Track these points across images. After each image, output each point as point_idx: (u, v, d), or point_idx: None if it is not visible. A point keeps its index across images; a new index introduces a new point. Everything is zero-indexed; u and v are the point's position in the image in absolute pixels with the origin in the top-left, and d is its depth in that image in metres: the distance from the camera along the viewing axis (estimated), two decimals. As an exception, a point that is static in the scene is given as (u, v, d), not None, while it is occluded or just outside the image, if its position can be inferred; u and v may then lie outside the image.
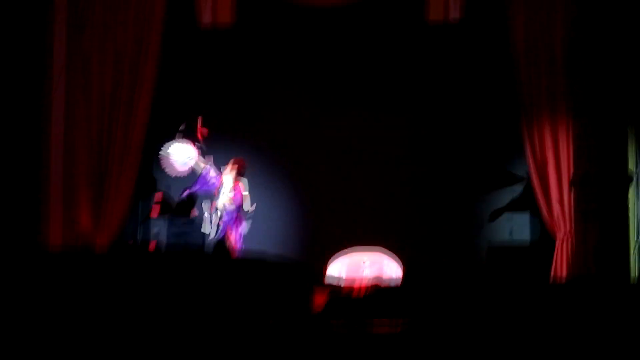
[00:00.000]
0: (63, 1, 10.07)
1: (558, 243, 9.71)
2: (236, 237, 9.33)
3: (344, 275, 8.29)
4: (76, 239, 9.81)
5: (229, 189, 9.36)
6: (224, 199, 9.33)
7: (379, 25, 10.77)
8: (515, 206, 10.45)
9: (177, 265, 6.40)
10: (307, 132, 10.87)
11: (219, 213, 9.35)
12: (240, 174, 9.44)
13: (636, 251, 9.59)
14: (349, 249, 8.87)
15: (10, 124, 9.46)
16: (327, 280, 8.35)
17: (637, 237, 9.58)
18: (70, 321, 5.29)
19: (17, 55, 9.51)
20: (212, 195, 9.46)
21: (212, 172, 9.45)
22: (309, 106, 10.92)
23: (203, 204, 9.51)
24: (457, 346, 5.18)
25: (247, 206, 9.38)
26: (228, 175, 9.41)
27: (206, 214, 9.37)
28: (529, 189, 10.11)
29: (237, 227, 9.36)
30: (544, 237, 9.96)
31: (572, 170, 9.71)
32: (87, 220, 9.90)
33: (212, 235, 9.32)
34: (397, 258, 8.68)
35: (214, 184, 9.43)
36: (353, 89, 10.86)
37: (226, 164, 9.50)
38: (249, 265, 6.47)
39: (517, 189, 10.47)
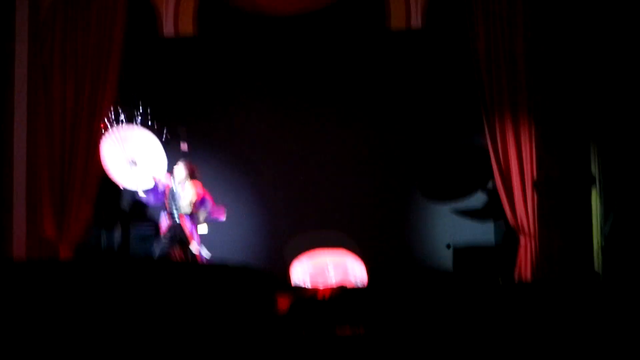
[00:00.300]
0: (24, 13, 10.02)
1: (522, 245, 9.77)
2: (197, 241, 9.30)
3: (308, 278, 8.29)
4: (40, 249, 9.76)
5: (186, 192, 9.31)
6: (184, 203, 9.29)
7: (342, 32, 10.83)
8: (480, 208, 10.53)
9: (140, 272, 6.38)
10: (269, 137, 10.93)
11: (176, 219, 9.31)
12: (192, 177, 9.40)
13: (599, 254, 9.68)
14: (312, 252, 8.88)
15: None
16: (291, 284, 8.35)
17: (601, 240, 9.67)
18: (36, 329, 5.26)
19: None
20: (162, 204, 9.44)
21: (160, 176, 9.40)
22: (271, 112, 10.96)
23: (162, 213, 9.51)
24: (422, 347, 5.19)
25: (207, 208, 9.33)
26: (180, 179, 9.35)
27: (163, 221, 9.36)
28: (493, 192, 10.17)
29: (195, 230, 9.32)
30: (508, 238, 10.04)
31: (535, 174, 9.79)
32: (50, 230, 9.85)
33: (167, 243, 9.28)
34: (360, 260, 8.70)
35: (162, 192, 9.38)
36: (316, 95, 10.92)
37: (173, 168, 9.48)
38: (212, 272, 6.46)
39: (482, 191, 10.55)
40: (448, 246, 10.03)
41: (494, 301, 6.48)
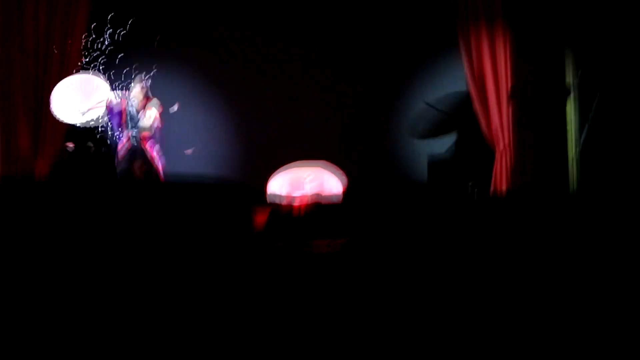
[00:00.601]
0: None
1: (497, 156, 9.78)
2: (157, 159, 9.21)
3: (284, 192, 8.28)
4: (16, 167, 9.70)
5: (147, 113, 9.17)
6: (145, 122, 9.15)
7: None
8: (454, 119, 10.52)
9: (113, 191, 6.37)
10: (241, 43, 10.84)
11: (136, 140, 9.18)
12: (147, 94, 9.26)
13: (575, 163, 9.72)
14: (289, 164, 8.86)
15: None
16: (268, 199, 8.34)
17: (575, 150, 9.70)
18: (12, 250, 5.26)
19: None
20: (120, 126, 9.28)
21: (113, 99, 9.25)
22: (244, 19, 10.84)
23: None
24: (397, 264, 5.22)
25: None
26: (137, 100, 9.21)
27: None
28: (468, 102, 10.13)
29: (153, 148, 9.23)
30: (482, 150, 10.05)
31: (510, 84, 9.76)
32: (26, 148, 9.77)
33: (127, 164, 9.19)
34: (338, 173, 8.69)
35: (119, 111, 9.23)
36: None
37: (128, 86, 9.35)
38: (186, 188, 6.46)
39: (456, 101, 10.52)
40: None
41: (470, 214, 6.54)
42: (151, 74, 9.45)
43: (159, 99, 9.24)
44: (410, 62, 10.76)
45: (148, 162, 9.15)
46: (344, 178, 8.72)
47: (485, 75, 9.85)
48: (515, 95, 9.70)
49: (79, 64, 9.69)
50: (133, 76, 9.36)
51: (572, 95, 9.75)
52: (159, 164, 9.16)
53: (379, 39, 10.82)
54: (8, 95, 9.77)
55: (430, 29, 10.57)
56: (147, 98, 9.22)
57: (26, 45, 9.78)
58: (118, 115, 9.15)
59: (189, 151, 9.72)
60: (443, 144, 10.57)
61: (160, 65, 9.71)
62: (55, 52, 9.73)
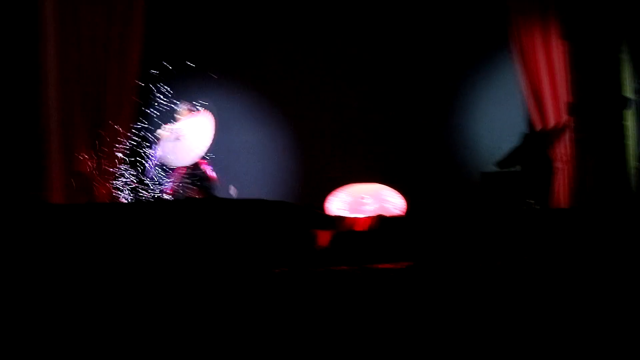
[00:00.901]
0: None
1: (557, 170, 9.69)
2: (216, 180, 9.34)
3: (345, 212, 8.28)
4: (77, 189, 9.81)
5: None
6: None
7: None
8: (512, 134, 10.47)
9: (178, 211, 6.43)
10: (298, 69, 10.88)
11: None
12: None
13: (636, 173, 9.61)
14: (347, 186, 8.87)
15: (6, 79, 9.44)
16: (327, 220, 8.33)
17: (637, 162, 9.59)
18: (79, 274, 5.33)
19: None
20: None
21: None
22: (300, 44, 10.89)
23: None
24: (463, 280, 5.19)
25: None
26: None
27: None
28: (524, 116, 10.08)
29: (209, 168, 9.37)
30: (540, 164, 9.97)
31: (568, 98, 9.68)
32: (86, 167, 9.88)
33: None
34: (396, 195, 8.68)
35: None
36: (342, 24, 10.84)
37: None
38: (250, 209, 6.50)
39: (514, 116, 10.45)
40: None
41: (535, 227, 6.48)
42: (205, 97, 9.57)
43: (216, 122, 9.37)
44: (464, 77, 10.75)
45: (206, 182, 9.27)
46: (402, 200, 8.70)
47: (543, 90, 9.78)
48: (574, 111, 9.62)
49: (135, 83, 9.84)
50: (181, 103, 9.50)
51: (631, 104, 9.65)
52: (216, 183, 9.28)
53: (433, 62, 10.82)
54: (68, 116, 9.89)
55: (485, 44, 10.56)
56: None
57: (83, 64, 9.92)
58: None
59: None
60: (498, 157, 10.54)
61: (215, 89, 9.83)
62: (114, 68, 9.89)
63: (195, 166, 9.28)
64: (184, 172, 9.33)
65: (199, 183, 9.25)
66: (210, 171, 9.33)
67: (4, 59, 9.44)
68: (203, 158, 9.36)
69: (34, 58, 9.66)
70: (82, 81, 9.90)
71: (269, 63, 10.86)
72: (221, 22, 10.79)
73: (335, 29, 10.86)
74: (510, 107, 10.41)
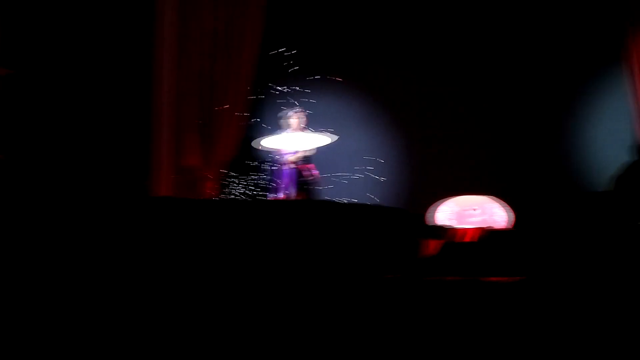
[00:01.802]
0: None
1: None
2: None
3: (453, 221, 8.23)
4: (185, 181, 9.95)
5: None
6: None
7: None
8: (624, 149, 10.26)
9: (289, 212, 6.45)
10: (412, 76, 10.84)
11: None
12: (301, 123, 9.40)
13: None
14: (454, 196, 8.82)
15: (122, 72, 9.61)
16: (434, 229, 8.28)
17: None
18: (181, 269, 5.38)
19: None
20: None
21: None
22: (416, 51, 10.86)
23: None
24: (576, 297, 5.08)
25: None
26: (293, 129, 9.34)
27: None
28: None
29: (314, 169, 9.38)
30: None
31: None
32: (196, 162, 10.01)
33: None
34: (505, 207, 8.58)
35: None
36: (460, 34, 10.81)
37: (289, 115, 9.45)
38: (359, 214, 6.48)
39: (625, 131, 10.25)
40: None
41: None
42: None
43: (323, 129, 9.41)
44: (576, 92, 10.62)
45: (310, 184, 9.30)
46: (510, 213, 8.59)
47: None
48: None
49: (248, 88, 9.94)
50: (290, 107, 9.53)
51: None
52: (319, 185, 9.30)
53: (546, 76, 10.70)
54: (181, 112, 10.02)
55: (596, 58, 10.42)
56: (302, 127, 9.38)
57: (199, 62, 10.04)
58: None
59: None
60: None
61: (328, 92, 9.87)
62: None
63: (302, 169, 9.30)
64: (292, 174, 9.34)
65: (305, 186, 9.27)
66: (316, 174, 9.34)
67: (121, 57, 9.63)
68: (309, 161, 9.37)
69: (149, 55, 9.85)
70: (196, 79, 10.05)
71: (383, 68, 10.83)
72: (337, 25, 10.82)
73: (452, 39, 10.80)
74: (621, 121, 10.24)
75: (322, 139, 9.18)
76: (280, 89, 10.00)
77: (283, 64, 10.06)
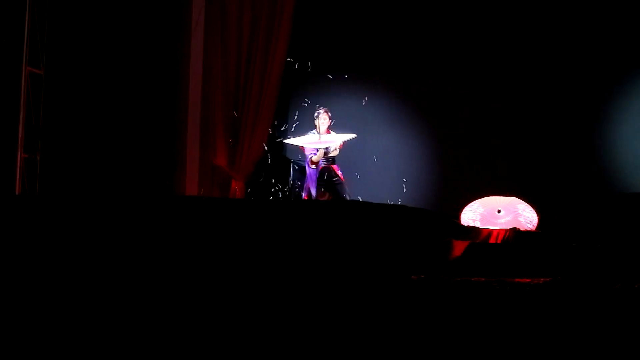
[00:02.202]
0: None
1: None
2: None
3: (478, 223, 8.21)
4: (212, 183, 10.01)
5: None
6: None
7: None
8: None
9: (316, 213, 6.48)
10: (436, 77, 10.84)
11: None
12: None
13: None
14: (482, 198, 8.80)
15: (150, 72, 9.67)
16: (460, 229, 8.28)
17: None
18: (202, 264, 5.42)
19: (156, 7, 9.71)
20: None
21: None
22: (446, 51, 10.86)
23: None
24: (604, 300, 5.06)
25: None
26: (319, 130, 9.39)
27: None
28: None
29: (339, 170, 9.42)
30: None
31: None
32: (223, 163, 10.07)
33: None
34: (531, 209, 8.55)
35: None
36: (491, 33, 10.82)
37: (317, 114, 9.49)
38: (384, 215, 6.50)
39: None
40: None
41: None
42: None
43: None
44: (600, 97, 10.58)
45: (337, 184, 9.33)
46: (536, 214, 8.56)
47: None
48: None
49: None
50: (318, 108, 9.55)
51: None
52: (344, 185, 9.34)
53: (579, 77, 10.65)
54: (209, 113, 10.07)
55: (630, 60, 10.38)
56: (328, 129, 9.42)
57: (228, 66, 10.10)
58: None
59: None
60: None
61: (356, 91, 9.92)
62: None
63: (328, 169, 9.34)
64: (317, 174, 9.37)
65: (331, 187, 9.30)
66: (340, 175, 9.38)
67: (150, 56, 9.69)
68: (334, 162, 9.41)
69: (178, 54, 9.91)
70: (224, 78, 10.11)
71: (411, 68, 10.84)
72: (367, 24, 10.83)
73: (483, 39, 10.78)
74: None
75: (344, 137, 9.26)
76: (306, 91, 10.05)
77: (308, 63, 10.10)
